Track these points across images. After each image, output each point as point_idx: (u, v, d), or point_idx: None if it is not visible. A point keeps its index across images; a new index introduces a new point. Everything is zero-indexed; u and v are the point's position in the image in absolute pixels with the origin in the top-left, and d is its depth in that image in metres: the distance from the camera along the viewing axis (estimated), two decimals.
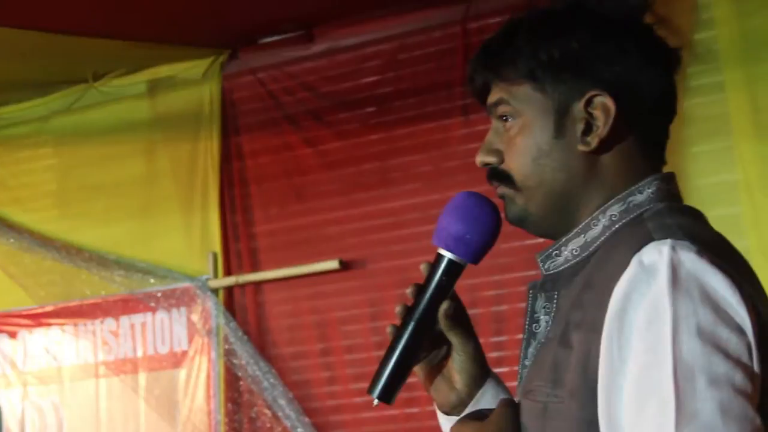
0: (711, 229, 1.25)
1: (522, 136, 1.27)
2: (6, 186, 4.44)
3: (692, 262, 1.12)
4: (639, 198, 1.25)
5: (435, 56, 3.75)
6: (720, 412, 1.05)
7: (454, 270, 1.30)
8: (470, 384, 1.33)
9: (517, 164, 1.28)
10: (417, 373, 1.35)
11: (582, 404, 1.14)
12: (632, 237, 1.19)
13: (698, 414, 1.04)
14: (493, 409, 1.26)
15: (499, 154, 1.29)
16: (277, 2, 3.71)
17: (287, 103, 4.01)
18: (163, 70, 4.15)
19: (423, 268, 1.31)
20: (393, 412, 3.58)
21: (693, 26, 3.38)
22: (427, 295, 1.30)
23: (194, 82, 4.12)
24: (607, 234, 1.24)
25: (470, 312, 1.38)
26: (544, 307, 1.29)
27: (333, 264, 3.82)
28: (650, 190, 1.26)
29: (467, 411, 1.32)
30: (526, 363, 1.29)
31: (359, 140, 3.87)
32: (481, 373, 1.34)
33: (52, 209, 4.37)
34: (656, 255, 1.12)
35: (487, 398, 1.33)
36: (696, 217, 1.27)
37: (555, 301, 1.27)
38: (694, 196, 3.26)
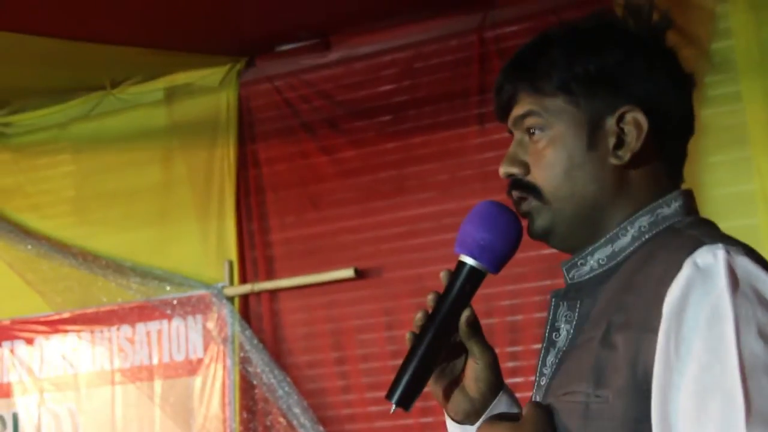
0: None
1: (553, 148, 1.29)
2: (24, 192, 4.46)
3: (746, 265, 1.16)
4: (667, 211, 1.29)
5: (451, 65, 3.75)
6: None
7: (476, 278, 1.31)
8: (486, 393, 1.34)
9: (547, 176, 1.29)
10: (429, 383, 1.35)
11: (629, 403, 1.16)
12: (676, 242, 1.22)
13: (767, 412, 1.07)
14: (516, 412, 1.28)
15: (524, 165, 1.31)
16: (294, 10, 3.72)
17: (303, 111, 4.02)
18: (181, 78, 4.17)
19: (443, 276, 1.32)
20: (408, 421, 3.58)
21: (710, 36, 3.37)
22: (448, 303, 1.31)
23: (211, 89, 4.13)
24: (636, 244, 1.28)
25: (486, 322, 1.39)
26: (565, 316, 1.31)
27: (348, 272, 3.82)
28: (677, 204, 1.30)
29: (483, 419, 1.33)
30: (545, 371, 1.30)
31: (375, 149, 3.87)
32: (497, 382, 1.36)
33: (70, 216, 4.39)
34: (711, 258, 1.16)
35: (500, 407, 1.35)
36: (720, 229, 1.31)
37: (577, 310, 1.30)
38: (711, 207, 3.25)
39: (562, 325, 1.31)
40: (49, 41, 3.64)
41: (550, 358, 1.31)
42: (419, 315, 1.32)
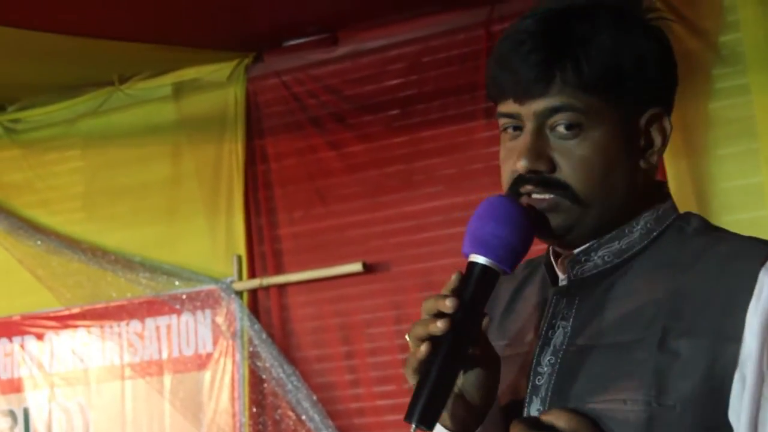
0: None
1: (590, 148, 1.21)
2: (33, 188, 4.47)
3: None
4: (665, 206, 1.28)
5: (459, 59, 3.75)
6: None
7: (491, 280, 1.20)
8: (488, 400, 1.25)
9: (583, 177, 1.21)
10: None
11: (700, 411, 1.14)
12: (724, 247, 1.21)
13: None
14: (531, 417, 1.20)
15: (550, 161, 1.22)
16: (301, 5, 3.72)
17: (311, 106, 4.02)
18: (189, 73, 4.17)
19: (455, 278, 1.20)
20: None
21: (719, 28, 3.36)
22: (466, 310, 1.18)
23: (219, 84, 4.14)
24: (645, 242, 1.25)
25: None
26: (562, 313, 1.26)
27: (357, 267, 3.82)
28: (669, 198, 1.30)
29: (481, 428, 1.26)
30: (540, 370, 1.24)
31: (383, 143, 3.88)
32: (496, 388, 1.27)
33: (79, 212, 4.40)
34: None
35: (494, 413, 1.28)
36: None
37: (574, 307, 1.26)
38: (719, 199, 3.24)
39: (559, 322, 1.25)
40: (57, 37, 3.65)
41: (547, 357, 1.25)
42: (440, 325, 1.15)
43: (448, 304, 1.16)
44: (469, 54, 3.72)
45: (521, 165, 1.21)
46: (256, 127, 4.11)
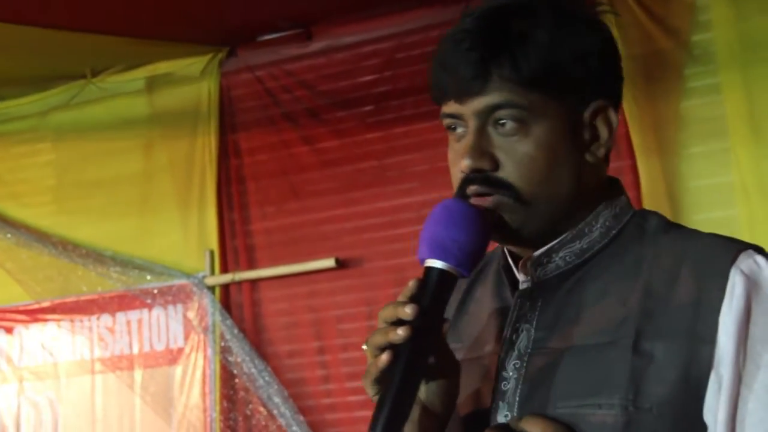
0: None
1: (533, 145, 1.19)
2: (3, 181, 4.44)
3: None
4: (620, 202, 1.26)
5: (433, 56, 3.75)
6: None
7: (450, 284, 1.17)
8: (450, 407, 1.22)
9: (525, 174, 1.19)
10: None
11: (675, 414, 1.13)
12: (693, 245, 1.20)
13: None
14: (502, 424, 1.18)
15: (493, 159, 1.19)
16: (275, 1, 3.71)
17: (285, 101, 4.02)
18: (162, 67, 4.15)
19: (413, 285, 1.16)
20: None
21: (690, 28, 3.38)
22: (427, 316, 1.14)
23: (192, 79, 4.12)
24: (605, 241, 1.23)
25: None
26: (525, 316, 1.23)
27: (329, 262, 3.82)
28: (624, 195, 1.28)
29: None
30: (506, 375, 1.21)
31: (356, 139, 3.88)
32: (457, 395, 1.23)
33: (50, 205, 4.37)
34: (755, 265, 1.16)
35: (455, 420, 1.25)
36: None
37: (537, 309, 1.23)
38: (690, 198, 3.27)
39: (522, 325, 1.22)
40: (29, 29, 3.62)
41: (513, 361, 1.21)
42: (401, 333, 1.12)
43: (408, 311, 1.13)
44: None
45: (464, 164, 1.19)
46: (229, 122, 4.10)
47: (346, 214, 3.86)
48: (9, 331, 4.35)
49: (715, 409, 1.13)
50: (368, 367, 1.17)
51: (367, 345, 1.17)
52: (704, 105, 3.34)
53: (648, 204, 3.13)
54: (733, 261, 1.16)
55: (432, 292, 1.16)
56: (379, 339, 1.15)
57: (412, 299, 1.15)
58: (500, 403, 1.21)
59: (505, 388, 1.21)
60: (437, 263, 1.16)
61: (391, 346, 1.14)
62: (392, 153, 3.82)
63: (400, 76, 3.82)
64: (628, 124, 3.28)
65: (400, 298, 1.16)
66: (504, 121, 1.19)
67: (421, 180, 3.73)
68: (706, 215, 3.16)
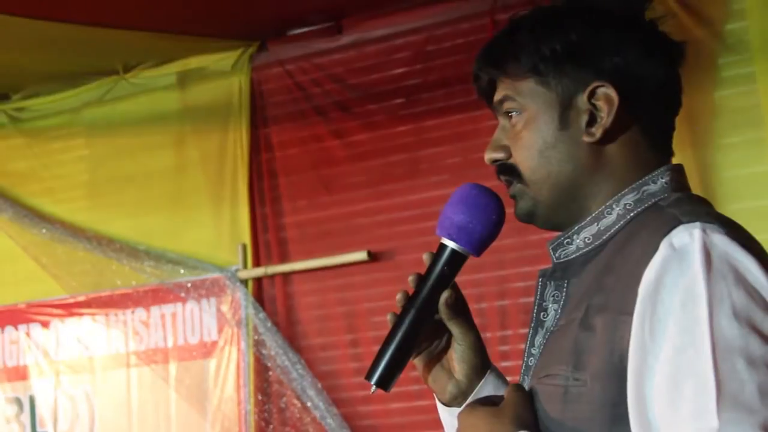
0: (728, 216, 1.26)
1: (527, 130, 1.29)
2: (38, 177, 4.48)
3: (723, 244, 1.13)
4: (653, 188, 1.27)
5: (463, 48, 3.74)
6: (759, 394, 1.06)
7: (456, 260, 1.32)
8: (470, 374, 1.35)
9: (523, 157, 1.30)
10: (416, 364, 1.37)
11: (606, 386, 1.15)
12: (656, 221, 1.20)
13: (739, 395, 1.05)
14: (500, 395, 1.27)
15: (506, 149, 1.32)
16: None
17: (316, 95, 4.02)
18: (193, 62, 4.17)
19: (425, 258, 1.34)
20: (422, 402, 3.59)
21: (724, 17, 3.35)
22: (429, 285, 1.32)
23: (223, 73, 4.14)
24: (621, 222, 1.26)
25: (476, 306, 1.38)
26: (552, 296, 1.30)
27: (361, 255, 3.83)
28: (663, 180, 1.27)
29: (468, 401, 1.33)
30: (533, 351, 1.31)
31: (387, 132, 3.88)
32: (482, 364, 1.36)
33: (84, 200, 4.41)
34: (687, 238, 1.14)
35: (487, 389, 1.34)
36: (711, 205, 1.28)
37: (564, 289, 1.29)
38: (724, 188, 3.24)
39: (550, 305, 1.30)
40: (61, 26, 3.65)
41: (539, 339, 1.30)
42: (399, 296, 1.33)
43: (409, 280, 1.34)
44: (473, 43, 3.72)
45: (485, 157, 1.34)
46: (260, 116, 4.12)
47: (378, 207, 3.86)
48: (45, 325, 4.40)
49: (629, 380, 1.13)
50: None
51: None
52: (739, 94, 3.31)
53: None
54: (666, 233, 1.15)
55: (438, 265, 1.32)
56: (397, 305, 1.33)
57: (426, 270, 1.33)
58: (525, 377, 1.31)
59: (531, 364, 1.30)
60: (446, 241, 1.32)
61: (399, 310, 1.32)
62: (423, 146, 3.81)
63: (430, 68, 3.81)
64: None
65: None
66: (510, 112, 1.32)
67: (452, 172, 3.73)
68: (741, 205, 3.13)
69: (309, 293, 3.97)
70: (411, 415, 3.70)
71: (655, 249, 1.15)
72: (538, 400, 1.23)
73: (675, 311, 1.11)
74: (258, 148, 4.09)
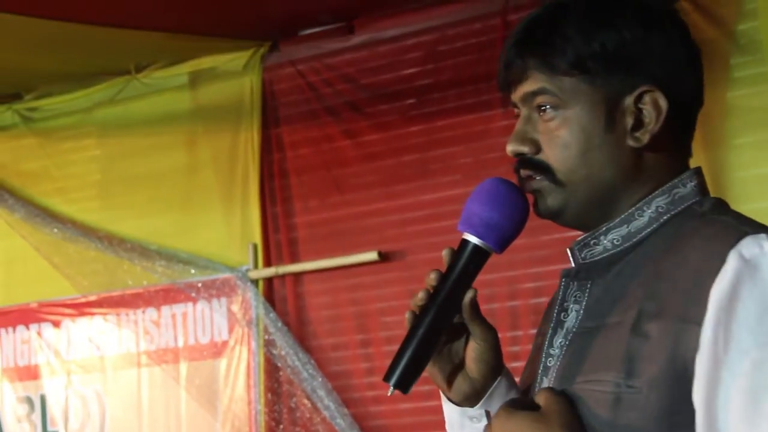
0: None
1: (567, 128, 1.24)
2: (50, 176, 4.49)
3: None
4: (683, 191, 1.26)
5: (475, 48, 3.74)
6: None
7: (480, 258, 1.27)
8: (487, 375, 1.31)
9: (561, 157, 1.25)
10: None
11: (664, 394, 1.14)
12: (710, 229, 1.19)
13: None
14: (530, 399, 1.23)
15: (534, 144, 1.26)
16: None
17: (327, 95, 4.02)
18: (205, 62, 4.18)
19: (445, 254, 1.29)
20: (432, 403, 3.57)
21: (736, 17, 3.34)
22: (451, 283, 1.27)
23: (235, 73, 4.14)
24: (654, 225, 1.25)
25: (487, 307, 1.37)
26: (574, 296, 1.28)
27: (372, 255, 3.83)
28: (692, 183, 1.27)
29: (483, 402, 1.31)
30: (552, 352, 1.27)
31: (399, 132, 3.87)
32: (498, 363, 1.32)
33: (95, 200, 4.42)
34: (757, 249, 1.14)
35: (501, 390, 1.32)
36: None
37: (587, 290, 1.27)
38: (736, 188, 3.23)
39: (571, 305, 1.27)
40: (73, 26, 3.66)
41: (559, 339, 1.27)
42: (420, 295, 1.27)
43: (431, 277, 1.28)
44: (485, 43, 3.71)
45: (508, 149, 1.28)
46: (271, 116, 4.12)
47: (389, 207, 3.86)
48: (57, 324, 4.41)
49: (698, 391, 1.13)
50: None
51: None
52: (751, 95, 3.30)
53: None
54: (734, 244, 1.14)
55: (462, 262, 1.27)
56: (411, 304, 1.29)
57: (448, 268, 1.28)
58: (543, 378, 1.27)
59: (549, 365, 1.27)
60: (468, 237, 1.27)
61: (417, 308, 1.28)
62: (434, 146, 3.81)
63: (442, 68, 3.81)
64: None
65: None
66: (544, 107, 1.26)
67: (463, 173, 3.72)
68: (753, 206, 3.12)
69: (319, 293, 3.97)
70: (421, 415, 3.70)
71: (722, 260, 1.13)
72: (582, 406, 1.19)
73: (751, 324, 1.11)
74: (269, 148, 4.10)
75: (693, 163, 1.32)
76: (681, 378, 1.13)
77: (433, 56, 3.82)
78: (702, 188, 1.28)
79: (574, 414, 1.18)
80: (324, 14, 3.94)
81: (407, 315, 1.28)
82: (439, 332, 1.27)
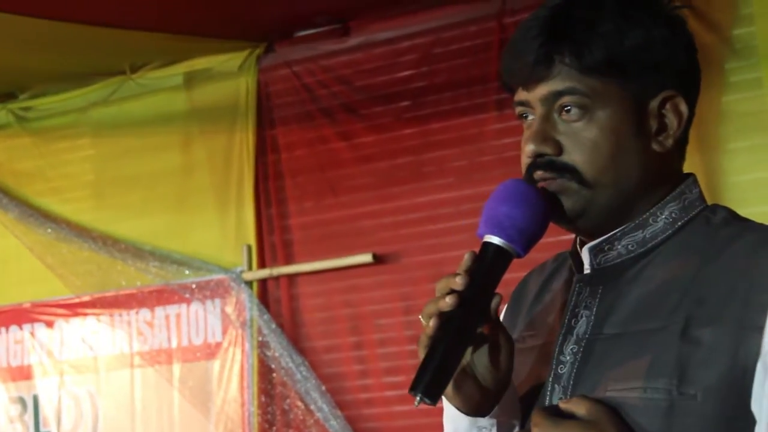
0: None
1: (598, 131, 1.21)
2: (44, 176, 4.48)
3: None
4: (691, 196, 1.27)
5: (470, 51, 3.74)
6: None
7: (504, 261, 1.21)
8: (504, 381, 1.26)
9: (588, 159, 1.21)
10: None
11: (722, 401, 1.13)
12: (751, 236, 1.20)
13: None
14: (562, 406, 1.18)
15: (557, 145, 1.22)
16: None
17: (322, 97, 4.02)
18: (200, 63, 4.17)
19: (467, 257, 1.21)
20: (425, 406, 3.58)
21: (732, 22, 3.34)
22: (476, 287, 1.19)
23: (230, 74, 4.14)
24: (669, 231, 1.24)
25: None
26: (585, 302, 1.26)
27: (366, 257, 3.83)
28: (697, 189, 1.28)
29: (496, 411, 1.27)
30: (563, 359, 1.24)
31: (393, 134, 3.87)
32: (511, 372, 1.27)
33: (89, 200, 4.41)
34: None
35: (510, 397, 1.28)
36: None
37: (598, 296, 1.25)
38: (731, 194, 3.23)
39: (582, 311, 1.25)
40: (68, 26, 3.65)
41: (570, 346, 1.24)
42: (449, 300, 1.17)
43: (458, 281, 1.18)
44: (480, 46, 3.72)
45: (528, 149, 1.23)
46: (267, 118, 4.12)
47: (384, 209, 3.86)
48: (50, 325, 4.40)
49: (761, 399, 1.12)
50: (421, 335, 1.21)
51: (421, 314, 1.22)
52: (746, 99, 3.30)
53: None
54: None
55: (485, 266, 1.20)
56: (431, 307, 1.20)
57: (466, 272, 1.20)
58: (555, 386, 1.24)
59: (561, 372, 1.24)
60: (493, 239, 1.21)
61: (441, 314, 1.18)
62: (429, 148, 3.81)
63: (437, 71, 3.81)
64: None
65: (458, 270, 1.21)
66: (569, 107, 1.22)
67: (458, 175, 3.72)
68: (748, 210, 3.09)
69: (314, 295, 3.97)
70: (415, 418, 3.69)
71: None
72: (628, 414, 1.15)
73: None
74: (264, 150, 4.09)
75: (687, 167, 1.33)
76: (739, 384, 1.13)
77: (428, 59, 3.82)
78: (702, 194, 1.29)
79: (624, 421, 1.15)
80: (319, 16, 3.94)
81: (432, 322, 1.18)
82: (467, 339, 1.20)
